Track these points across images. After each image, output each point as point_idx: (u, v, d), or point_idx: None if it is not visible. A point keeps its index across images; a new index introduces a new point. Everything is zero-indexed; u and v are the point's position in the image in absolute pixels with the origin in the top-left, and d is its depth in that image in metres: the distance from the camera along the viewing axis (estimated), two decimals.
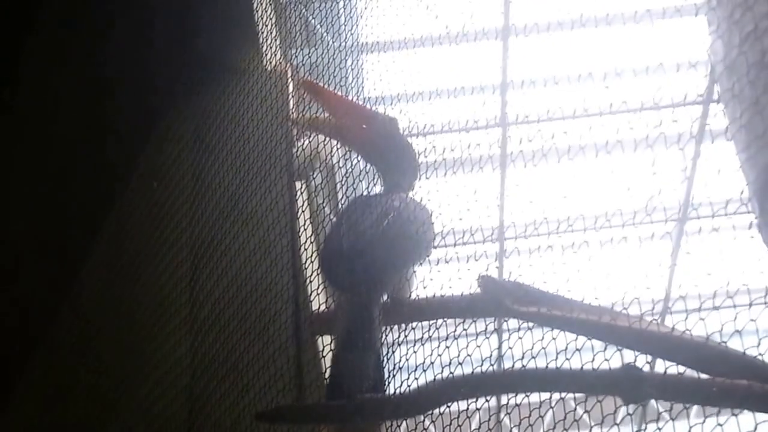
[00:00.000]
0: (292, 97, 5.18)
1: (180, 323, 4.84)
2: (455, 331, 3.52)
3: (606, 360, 3.11)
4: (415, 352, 3.59)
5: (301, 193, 4.72)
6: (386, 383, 3.45)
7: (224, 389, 4.38)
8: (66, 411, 4.66)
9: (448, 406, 3.36)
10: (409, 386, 3.28)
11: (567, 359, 3.14)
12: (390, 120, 4.15)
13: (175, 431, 4.60)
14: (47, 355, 4.77)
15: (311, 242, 4.45)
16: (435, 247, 3.87)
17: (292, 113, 5.04)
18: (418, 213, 3.86)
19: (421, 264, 3.87)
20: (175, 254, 5.10)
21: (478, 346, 3.41)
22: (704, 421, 2.92)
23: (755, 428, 2.86)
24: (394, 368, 3.51)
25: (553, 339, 3.33)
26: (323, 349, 4.02)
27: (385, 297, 3.68)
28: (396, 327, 3.72)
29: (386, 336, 3.66)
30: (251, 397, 4.08)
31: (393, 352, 3.64)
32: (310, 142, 4.88)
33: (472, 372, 3.25)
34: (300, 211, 4.60)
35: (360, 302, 3.52)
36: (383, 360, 3.50)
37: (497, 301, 3.44)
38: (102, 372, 4.74)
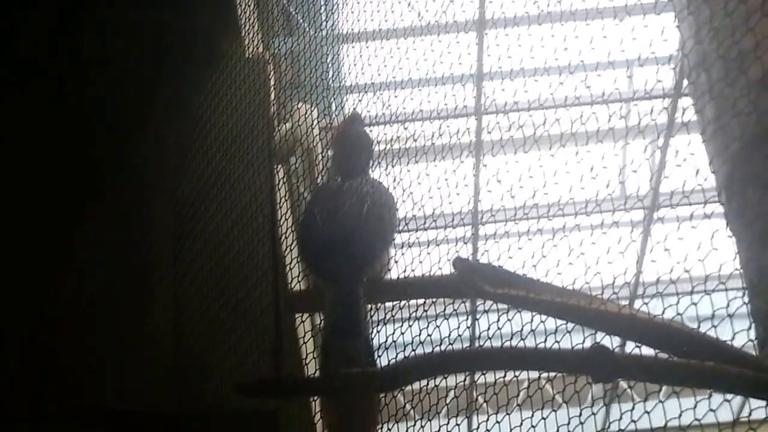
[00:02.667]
0: (272, 85, 5.22)
1: (163, 304, 4.88)
2: (432, 308, 3.58)
3: (587, 340, 3.18)
4: (398, 330, 3.66)
5: (283, 179, 4.75)
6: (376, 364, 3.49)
7: (206, 361, 4.42)
8: (51, 381, 4.67)
9: (426, 383, 3.42)
10: (388, 363, 3.33)
11: (547, 338, 3.20)
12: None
13: (161, 401, 4.62)
14: (35, 327, 4.77)
15: (292, 228, 4.49)
16: (415, 230, 3.92)
17: (273, 102, 5.08)
18: (387, 196, 3.90)
19: (392, 244, 3.92)
20: (158, 240, 5.13)
21: (458, 324, 3.47)
22: (696, 404, 2.99)
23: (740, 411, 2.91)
24: (376, 347, 3.56)
25: (533, 320, 3.39)
26: (302, 324, 4.07)
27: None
28: (373, 306, 3.77)
29: (372, 317, 3.71)
30: (231, 369, 4.13)
31: (371, 330, 3.69)
32: (290, 128, 4.93)
33: (448, 349, 3.30)
34: (281, 197, 4.64)
35: (345, 290, 3.55)
36: (372, 343, 3.54)
37: (471, 283, 3.49)
38: (87, 341, 4.75)
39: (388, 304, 3.83)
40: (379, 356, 3.54)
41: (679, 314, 3.21)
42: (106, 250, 4.99)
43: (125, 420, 4.57)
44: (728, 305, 3.11)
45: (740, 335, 3.10)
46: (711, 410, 3.00)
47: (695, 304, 3.16)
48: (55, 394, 4.62)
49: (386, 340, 3.62)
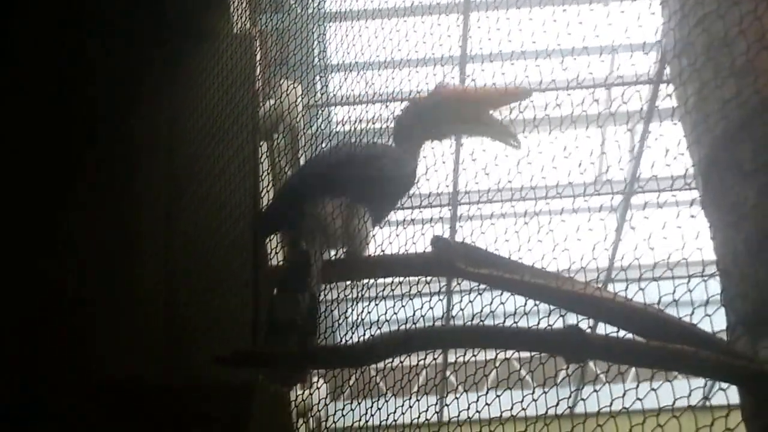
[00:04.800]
0: (259, 62, 5.17)
1: (153, 273, 4.85)
2: (407, 286, 3.54)
3: (549, 325, 3.15)
4: (369, 312, 3.62)
5: (266, 156, 4.71)
6: (318, 328, 3.43)
7: (190, 331, 4.39)
8: (40, 343, 4.63)
9: (401, 361, 3.38)
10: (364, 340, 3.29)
11: (522, 318, 3.17)
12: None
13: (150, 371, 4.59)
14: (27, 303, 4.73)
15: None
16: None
17: (258, 78, 5.03)
18: (399, 170, 3.86)
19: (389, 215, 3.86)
20: (150, 212, 5.09)
21: (434, 302, 3.43)
22: (638, 386, 2.97)
23: (689, 394, 2.90)
24: (351, 324, 3.52)
25: (502, 304, 3.36)
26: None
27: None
28: (352, 283, 3.72)
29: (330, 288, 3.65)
30: (211, 340, 4.10)
31: (352, 308, 3.66)
32: (274, 104, 4.88)
33: (424, 326, 3.26)
34: (263, 171, 4.59)
35: (302, 253, 3.49)
36: (319, 303, 3.46)
37: (449, 262, 3.44)
38: (78, 312, 4.71)
39: (364, 281, 3.79)
40: (361, 336, 3.49)
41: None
42: (98, 225, 4.95)
43: (115, 390, 4.54)
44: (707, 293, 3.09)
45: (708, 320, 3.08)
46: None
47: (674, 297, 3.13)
48: (48, 366, 4.59)
49: (362, 319, 3.58)
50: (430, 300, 3.52)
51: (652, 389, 2.99)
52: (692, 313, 3.06)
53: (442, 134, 4.07)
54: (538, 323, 3.14)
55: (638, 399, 2.92)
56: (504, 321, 3.16)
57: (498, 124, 4.00)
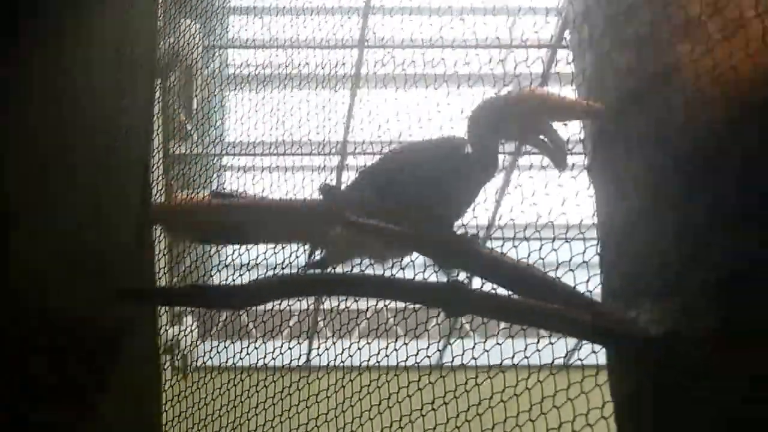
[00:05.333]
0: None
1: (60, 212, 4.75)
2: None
3: (435, 274, 3.16)
4: (241, 256, 3.59)
5: (160, 97, 4.62)
6: None
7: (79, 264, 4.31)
8: None
9: (273, 306, 3.35)
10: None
11: (402, 269, 3.16)
12: None
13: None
14: None
15: (162, 145, 4.38)
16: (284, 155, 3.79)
17: (159, 15, 4.91)
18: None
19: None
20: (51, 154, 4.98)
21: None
22: (509, 340, 3.00)
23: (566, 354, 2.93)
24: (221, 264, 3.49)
25: None
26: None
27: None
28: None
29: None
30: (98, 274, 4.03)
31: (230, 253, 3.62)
32: (173, 43, 4.78)
33: (299, 272, 3.24)
34: (157, 110, 4.50)
35: None
36: None
37: (338, 210, 3.40)
38: None
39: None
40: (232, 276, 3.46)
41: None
42: None
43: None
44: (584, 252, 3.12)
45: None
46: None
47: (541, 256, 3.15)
48: None
49: (234, 261, 3.54)
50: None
51: (525, 346, 3.03)
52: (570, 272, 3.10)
53: (509, 136, 3.75)
54: (418, 275, 3.14)
55: (511, 356, 2.95)
56: (384, 271, 3.15)
57: (557, 139, 3.72)
